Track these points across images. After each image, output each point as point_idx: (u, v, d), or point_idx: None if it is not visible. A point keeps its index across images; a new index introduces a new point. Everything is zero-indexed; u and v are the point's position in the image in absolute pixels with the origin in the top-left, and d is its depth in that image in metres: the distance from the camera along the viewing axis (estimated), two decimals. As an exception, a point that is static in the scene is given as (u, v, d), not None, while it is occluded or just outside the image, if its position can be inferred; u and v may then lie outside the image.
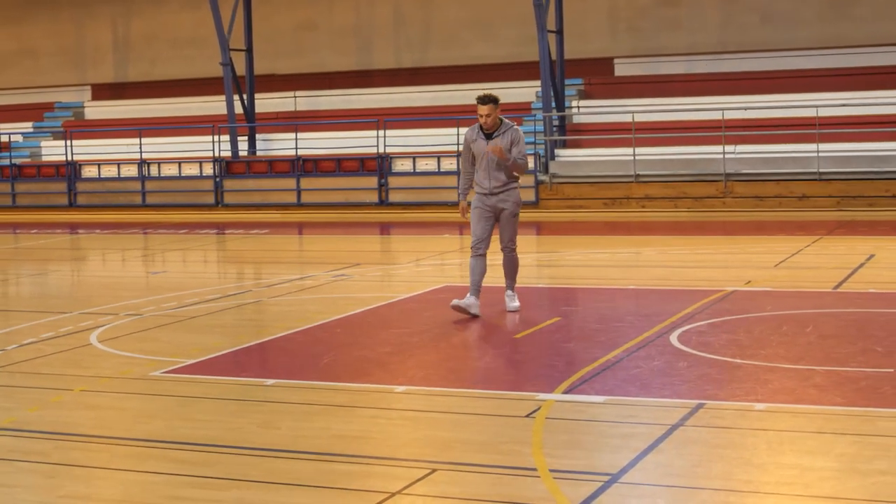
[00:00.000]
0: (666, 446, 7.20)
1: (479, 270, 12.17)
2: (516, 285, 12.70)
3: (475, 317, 12.04)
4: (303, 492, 6.62)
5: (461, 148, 12.72)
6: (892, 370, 9.10)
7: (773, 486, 6.47)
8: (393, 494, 6.47)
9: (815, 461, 6.86)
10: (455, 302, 12.11)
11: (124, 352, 10.77)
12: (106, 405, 8.85)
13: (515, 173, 12.22)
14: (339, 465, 7.10)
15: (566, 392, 8.66)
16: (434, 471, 6.88)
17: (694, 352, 10.01)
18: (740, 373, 9.22)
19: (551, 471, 6.78)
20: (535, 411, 8.10)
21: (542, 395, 8.55)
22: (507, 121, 12.29)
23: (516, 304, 12.47)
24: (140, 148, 31.49)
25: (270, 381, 9.38)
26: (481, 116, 12.10)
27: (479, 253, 12.19)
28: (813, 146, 25.33)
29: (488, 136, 12.16)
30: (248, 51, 31.75)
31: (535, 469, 6.83)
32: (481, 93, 12.37)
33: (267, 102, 33.02)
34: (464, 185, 12.44)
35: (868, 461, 6.80)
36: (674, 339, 10.60)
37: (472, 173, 12.37)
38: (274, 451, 7.38)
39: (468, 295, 12.11)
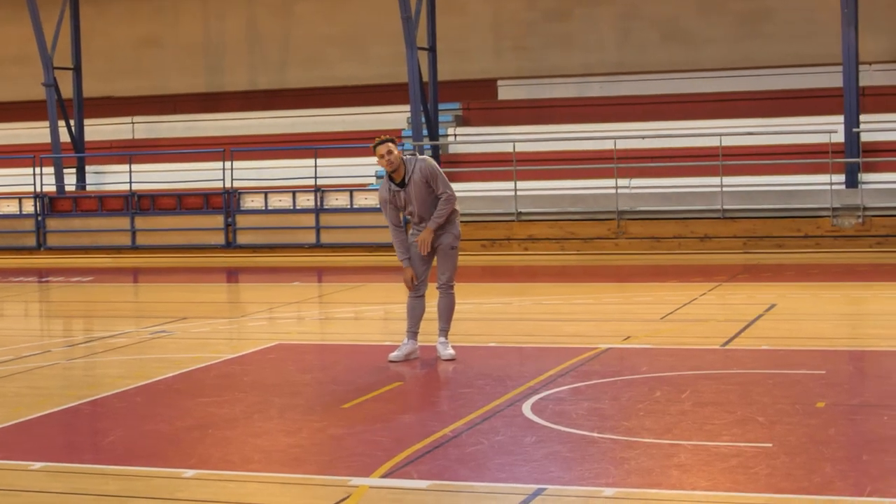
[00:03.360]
0: (486, 545, 6.76)
1: (419, 312, 12.73)
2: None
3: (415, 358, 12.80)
4: None
5: (382, 208, 12.70)
6: (770, 445, 8.76)
7: None
8: None
9: (660, 561, 6.46)
10: (392, 356, 12.66)
11: None
12: None
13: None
14: (88, 573, 6.56)
15: (385, 476, 8.19)
16: (202, 580, 6.38)
17: (547, 424, 9.61)
18: (594, 450, 8.82)
19: (343, 578, 6.32)
20: (342, 500, 7.62)
21: (355, 480, 8.07)
22: (408, 156, 12.48)
23: (451, 351, 12.76)
24: (-52, 183, 30.66)
25: (37, 465, 8.79)
26: (381, 158, 12.17)
27: (420, 294, 12.68)
28: (716, 180, 25.21)
29: (402, 184, 12.29)
30: (77, 69, 31.05)
31: (324, 576, 6.36)
32: (375, 139, 12.40)
33: (100, 129, 32.33)
34: (401, 247, 12.58)
35: (723, 561, 6.42)
36: (527, 408, 10.20)
37: (402, 230, 12.56)
38: (14, 556, 6.83)
39: (404, 340, 12.76)
